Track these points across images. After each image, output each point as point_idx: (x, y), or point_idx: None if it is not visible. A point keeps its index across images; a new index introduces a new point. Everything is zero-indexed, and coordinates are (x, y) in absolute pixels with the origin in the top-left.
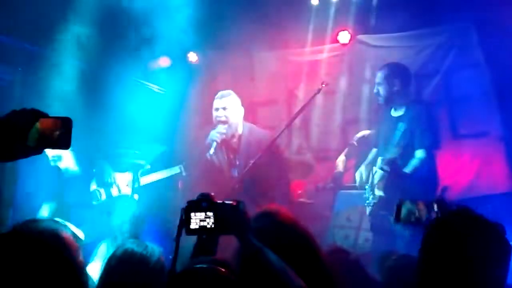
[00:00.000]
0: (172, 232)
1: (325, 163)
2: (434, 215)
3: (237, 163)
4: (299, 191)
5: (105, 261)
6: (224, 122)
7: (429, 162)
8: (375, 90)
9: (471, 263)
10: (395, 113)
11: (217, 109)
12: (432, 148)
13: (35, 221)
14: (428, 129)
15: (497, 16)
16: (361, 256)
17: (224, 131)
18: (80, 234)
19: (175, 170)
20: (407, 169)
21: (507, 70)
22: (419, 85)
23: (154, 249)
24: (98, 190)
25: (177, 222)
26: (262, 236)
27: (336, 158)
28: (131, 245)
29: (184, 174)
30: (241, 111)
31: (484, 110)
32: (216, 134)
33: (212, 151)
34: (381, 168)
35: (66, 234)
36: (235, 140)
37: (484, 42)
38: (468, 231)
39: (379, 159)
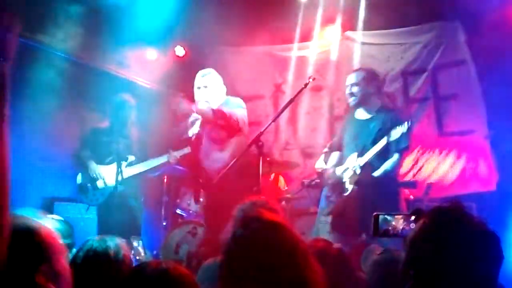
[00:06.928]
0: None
1: (312, 159)
2: (412, 227)
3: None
4: (285, 187)
5: (70, 261)
6: (206, 101)
7: (397, 166)
8: (348, 91)
9: (455, 260)
10: (364, 115)
11: (199, 88)
12: (403, 153)
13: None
14: (403, 135)
15: (484, 15)
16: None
17: (207, 109)
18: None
19: (162, 159)
20: (378, 172)
21: (493, 69)
22: (406, 83)
23: (119, 244)
24: (85, 184)
25: None
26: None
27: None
28: (94, 242)
29: (171, 161)
30: (223, 89)
31: (471, 108)
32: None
33: (197, 129)
34: (354, 171)
35: (44, 232)
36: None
37: (471, 41)
38: (456, 227)
39: (353, 159)
